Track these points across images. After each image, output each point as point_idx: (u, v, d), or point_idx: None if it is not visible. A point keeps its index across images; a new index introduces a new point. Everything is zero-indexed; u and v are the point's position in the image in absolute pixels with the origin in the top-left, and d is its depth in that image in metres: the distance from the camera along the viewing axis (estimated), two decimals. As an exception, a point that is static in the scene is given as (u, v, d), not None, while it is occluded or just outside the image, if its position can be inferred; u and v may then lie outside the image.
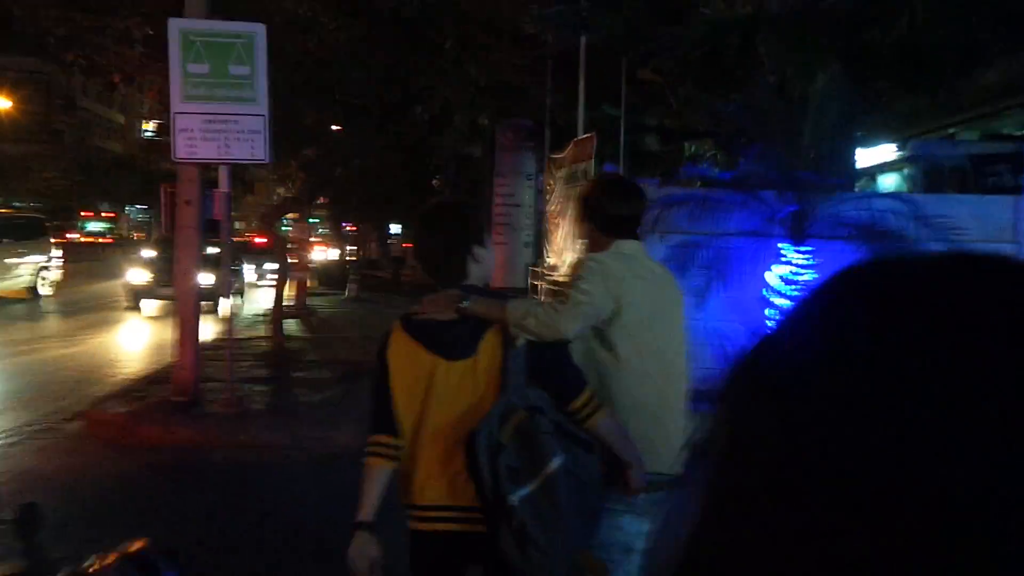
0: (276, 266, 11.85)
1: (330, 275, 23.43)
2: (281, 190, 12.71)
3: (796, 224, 6.26)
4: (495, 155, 15.46)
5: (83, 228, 47.62)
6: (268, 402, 7.85)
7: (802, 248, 6.33)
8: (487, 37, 8.96)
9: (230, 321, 7.29)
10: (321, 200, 18.68)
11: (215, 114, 7.11)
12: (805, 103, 5.93)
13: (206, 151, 7.13)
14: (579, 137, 8.58)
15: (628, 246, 2.56)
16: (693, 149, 9.89)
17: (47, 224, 19.06)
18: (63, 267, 18.62)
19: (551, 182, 9.95)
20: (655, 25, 6.87)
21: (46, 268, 17.84)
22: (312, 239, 22.21)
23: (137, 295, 15.52)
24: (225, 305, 7.45)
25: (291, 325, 13.73)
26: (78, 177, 45.26)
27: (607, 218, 2.59)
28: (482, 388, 2.15)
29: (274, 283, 11.33)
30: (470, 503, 2.09)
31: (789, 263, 6.39)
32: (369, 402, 2.27)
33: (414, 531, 2.21)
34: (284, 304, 12.25)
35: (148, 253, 17.04)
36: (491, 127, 11.78)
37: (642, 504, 2.34)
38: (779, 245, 6.44)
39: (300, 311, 16.48)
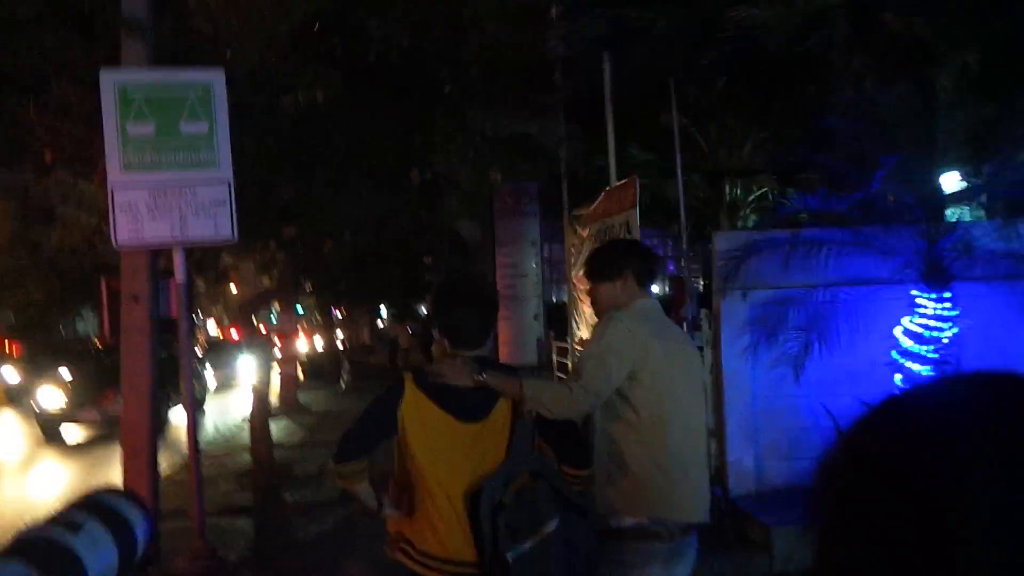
0: (256, 363, 10.21)
1: (321, 367, 21.96)
2: (267, 279, 11.08)
3: (933, 264, 4.72)
4: (494, 223, 14.04)
5: None
6: (251, 545, 6.11)
7: (943, 295, 4.78)
8: (491, 79, 7.61)
9: (193, 442, 5.61)
10: (307, 287, 17.19)
11: (165, 184, 5.62)
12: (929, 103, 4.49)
13: (155, 231, 5.58)
14: (612, 186, 7.15)
15: (650, 303, 2.61)
16: (736, 193, 8.52)
17: None
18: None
19: (575, 242, 8.46)
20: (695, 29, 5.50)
21: None
22: (297, 329, 20.67)
23: (52, 422, 11.95)
24: (184, 421, 5.76)
25: (280, 428, 12.03)
26: (57, 286, 43.83)
27: (646, 272, 2.61)
28: (492, 451, 2.36)
29: (254, 383, 9.68)
30: (474, 559, 2.28)
31: (927, 315, 4.83)
32: (351, 429, 2.36)
33: (412, 572, 2.37)
34: (269, 405, 10.61)
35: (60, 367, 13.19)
36: (492, 189, 10.39)
37: (668, 552, 2.38)
38: (912, 292, 4.89)
39: (290, 410, 14.84)
